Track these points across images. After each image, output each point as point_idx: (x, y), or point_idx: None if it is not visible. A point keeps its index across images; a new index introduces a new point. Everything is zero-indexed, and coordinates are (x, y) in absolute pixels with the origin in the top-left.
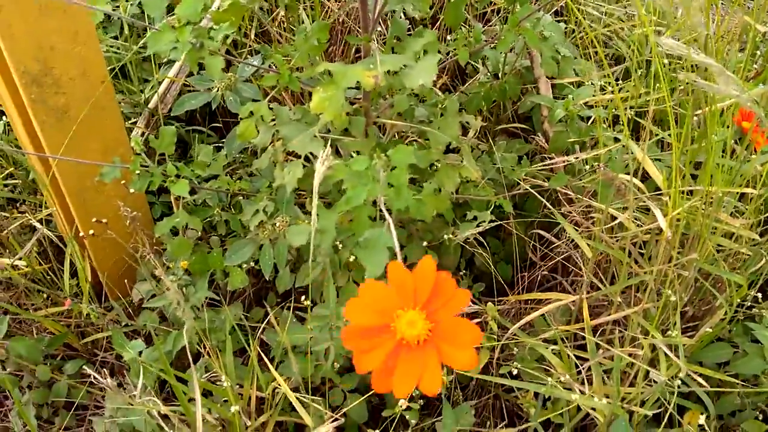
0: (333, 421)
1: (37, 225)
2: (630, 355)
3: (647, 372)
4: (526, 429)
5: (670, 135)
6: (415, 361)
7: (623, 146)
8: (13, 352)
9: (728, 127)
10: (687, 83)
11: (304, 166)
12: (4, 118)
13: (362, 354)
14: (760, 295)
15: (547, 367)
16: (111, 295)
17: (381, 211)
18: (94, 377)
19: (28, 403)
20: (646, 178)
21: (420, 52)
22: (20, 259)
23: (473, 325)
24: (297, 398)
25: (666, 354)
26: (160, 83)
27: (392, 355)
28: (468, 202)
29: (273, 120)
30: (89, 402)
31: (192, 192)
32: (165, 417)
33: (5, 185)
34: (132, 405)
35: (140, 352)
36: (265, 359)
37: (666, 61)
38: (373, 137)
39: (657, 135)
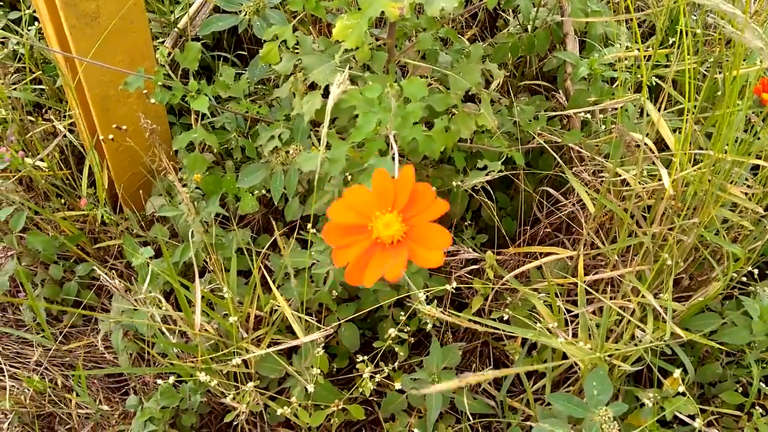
0: (323, 332)
1: (61, 128)
2: (620, 308)
3: (633, 335)
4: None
5: (689, 100)
6: (387, 258)
7: (641, 109)
8: (30, 246)
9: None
10: (717, 50)
11: (323, 97)
12: (36, 23)
13: (340, 249)
14: (756, 271)
15: (538, 317)
16: (126, 207)
17: (391, 145)
18: (103, 278)
19: (40, 297)
20: (665, 147)
21: None
22: (42, 160)
23: (445, 230)
24: (292, 314)
25: (654, 315)
26: (190, 5)
27: (367, 251)
28: (481, 152)
29: (297, 49)
30: (96, 304)
31: (213, 115)
32: (167, 324)
33: (33, 90)
34: (137, 308)
35: (149, 259)
36: (269, 282)
37: (699, 31)
38: (393, 75)
39: (678, 103)
